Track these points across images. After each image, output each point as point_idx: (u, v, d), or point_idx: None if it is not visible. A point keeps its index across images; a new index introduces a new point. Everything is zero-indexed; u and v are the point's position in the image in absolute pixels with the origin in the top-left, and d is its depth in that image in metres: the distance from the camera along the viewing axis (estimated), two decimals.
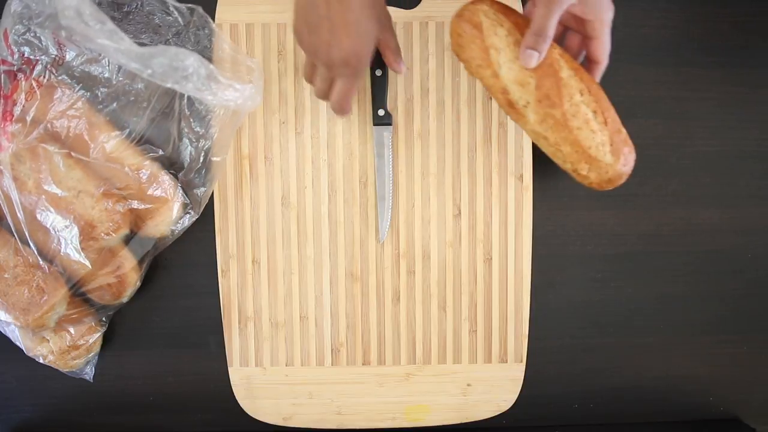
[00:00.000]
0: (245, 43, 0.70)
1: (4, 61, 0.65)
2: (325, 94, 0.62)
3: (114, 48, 0.59)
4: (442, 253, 0.71)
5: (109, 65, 0.66)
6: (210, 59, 0.68)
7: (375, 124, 0.70)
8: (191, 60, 0.60)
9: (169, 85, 0.61)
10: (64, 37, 0.63)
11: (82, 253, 0.65)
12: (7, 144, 0.64)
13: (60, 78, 0.65)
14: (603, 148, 0.59)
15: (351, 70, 0.58)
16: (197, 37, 0.68)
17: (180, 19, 0.67)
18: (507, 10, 0.60)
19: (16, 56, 0.65)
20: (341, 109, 0.62)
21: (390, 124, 0.70)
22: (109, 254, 0.67)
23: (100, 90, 0.66)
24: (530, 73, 0.58)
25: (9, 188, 0.64)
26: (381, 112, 0.69)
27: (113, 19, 0.67)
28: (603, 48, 0.61)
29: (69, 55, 0.65)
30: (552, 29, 0.57)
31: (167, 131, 0.67)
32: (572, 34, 0.64)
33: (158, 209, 0.67)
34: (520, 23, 0.59)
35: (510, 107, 0.61)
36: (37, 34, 0.64)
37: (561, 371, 0.74)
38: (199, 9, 0.67)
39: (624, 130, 0.61)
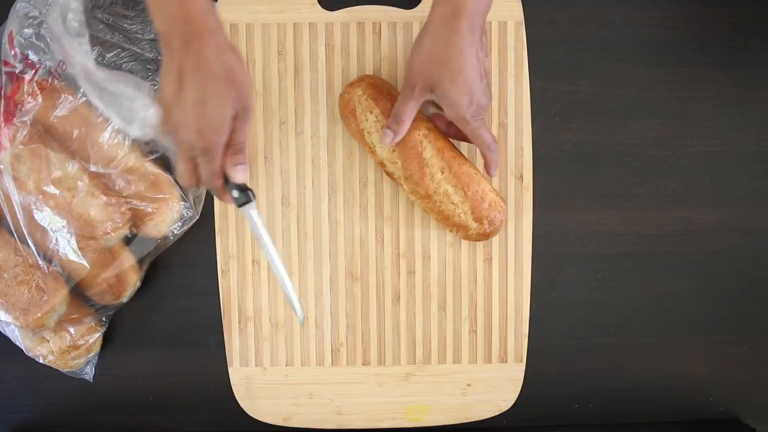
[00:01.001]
0: (245, 43, 0.70)
1: (6, 63, 0.65)
2: (188, 176, 0.57)
3: (78, 64, 0.59)
4: (442, 253, 0.71)
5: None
6: None
7: (239, 206, 0.60)
8: (140, 103, 0.60)
9: (111, 114, 0.61)
10: (48, 39, 0.63)
11: (80, 253, 0.65)
12: (8, 144, 0.64)
13: (62, 81, 0.65)
14: (465, 216, 0.66)
15: (202, 152, 0.55)
16: None
17: None
18: (378, 96, 0.66)
19: (18, 58, 0.65)
20: (215, 191, 0.58)
21: (252, 200, 0.60)
22: (109, 254, 0.67)
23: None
24: (397, 154, 0.65)
25: (9, 188, 0.64)
26: (236, 194, 0.59)
27: (125, 17, 0.67)
28: (477, 140, 0.63)
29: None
30: (406, 115, 0.62)
31: None
32: None
33: (158, 210, 0.67)
34: (389, 109, 0.65)
35: (389, 176, 0.68)
36: (40, 36, 0.64)
37: (561, 371, 0.74)
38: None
39: (489, 197, 0.66)
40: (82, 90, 0.65)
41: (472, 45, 0.58)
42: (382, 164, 0.67)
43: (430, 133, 0.65)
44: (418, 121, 0.65)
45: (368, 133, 0.66)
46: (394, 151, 0.65)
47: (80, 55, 0.60)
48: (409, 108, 0.62)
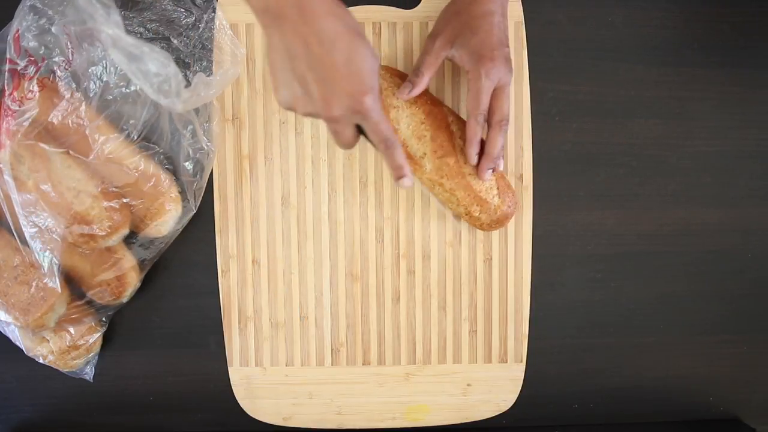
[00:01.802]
0: (245, 43, 0.70)
1: (10, 60, 0.65)
2: (351, 141, 0.55)
3: (106, 31, 0.57)
4: (442, 253, 0.71)
5: (107, 68, 0.66)
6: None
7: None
8: (170, 70, 0.58)
9: (142, 83, 0.58)
10: (73, 27, 0.62)
11: (80, 253, 0.65)
12: (7, 143, 0.64)
13: (62, 79, 0.65)
14: (491, 191, 0.66)
15: (364, 115, 0.50)
16: (208, 31, 0.69)
17: (194, 11, 0.68)
18: (401, 75, 0.67)
19: (22, 55, 0.65)
20: (389, 152, 0.55)
21: None
22: (108, 254, 0.67)
23: (100, 92, 0.66)
24: (426, 127, 0.65)
25: (9, 188, 0.64)
26: None
27: (127, 18, 0.68)
28: (474, 100, 0.62)
29: (74, 58, 0.65)
30: (426, 67, 0.63)
31: (161, 128, 0.67)
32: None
33: (158, 209, 0.67)
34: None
35: (409, 159, 0.66)
36: (49, 32, 0.64)
37: (561, 371, 0.74)
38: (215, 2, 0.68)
39: (506, 177, 0.69)
40: (81, 88, 0.65)
41: (495, 11, 0.62)
42: (403, 144, 0.65)
43: (454, 114, 0.67)
44: (442, 104, 0.67)
45: (395, 108, 0.65)
46: (422, 123, 0.65)
47: (108, 25, 0.57)
48: (429, 60, 0.63)
